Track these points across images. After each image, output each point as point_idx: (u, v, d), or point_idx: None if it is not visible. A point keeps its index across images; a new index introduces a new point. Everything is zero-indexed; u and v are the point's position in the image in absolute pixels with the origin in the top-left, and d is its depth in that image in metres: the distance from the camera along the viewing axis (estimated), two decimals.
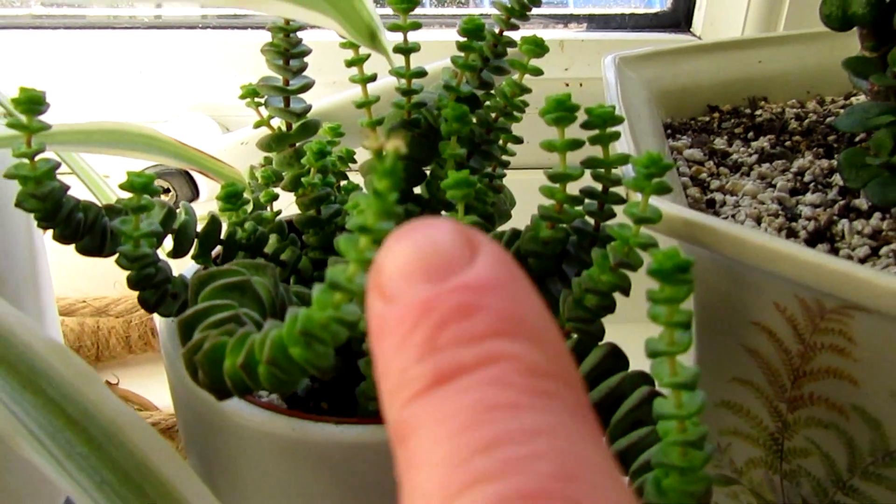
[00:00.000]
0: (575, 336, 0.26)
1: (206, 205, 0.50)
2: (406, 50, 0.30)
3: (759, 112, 0.42)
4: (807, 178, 0.35)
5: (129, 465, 0.21)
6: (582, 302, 0.25)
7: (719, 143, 0.39)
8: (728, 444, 0.33)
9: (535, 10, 0.60)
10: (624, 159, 0.26)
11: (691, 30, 0.60)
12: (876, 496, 0.29)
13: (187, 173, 0.46)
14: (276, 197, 0.35)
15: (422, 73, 0.30)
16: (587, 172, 0.27)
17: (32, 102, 0.25)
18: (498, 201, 0.36)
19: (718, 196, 0.34)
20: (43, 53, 0.56)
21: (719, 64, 0.43)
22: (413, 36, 0.30)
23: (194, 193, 0.48)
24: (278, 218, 0.35)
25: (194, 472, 0.25)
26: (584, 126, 0.26)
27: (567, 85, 0.56)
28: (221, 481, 0.31)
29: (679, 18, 0.61)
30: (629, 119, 0.35)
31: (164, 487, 0.24)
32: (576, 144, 0.26)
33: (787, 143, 0.39)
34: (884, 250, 0.29)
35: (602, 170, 0.27)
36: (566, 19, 0.60)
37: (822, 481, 0.30)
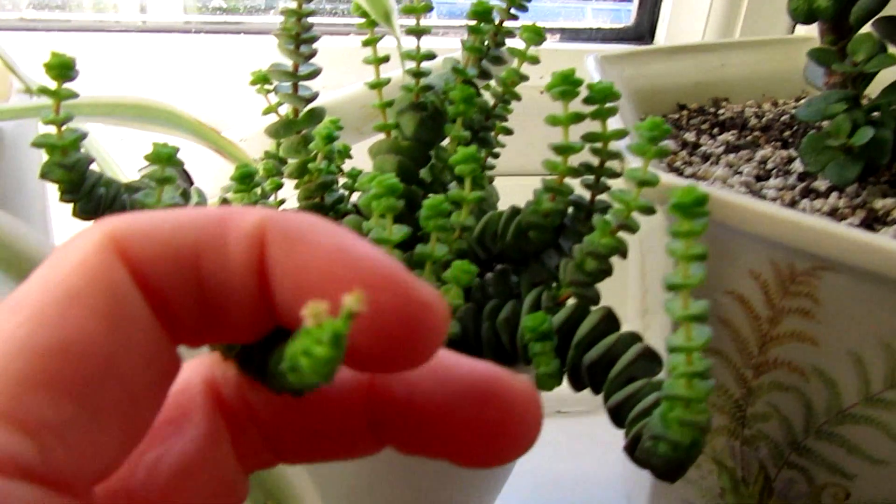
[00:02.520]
0: (573, 300, 0.27)
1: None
2: (418, 31, 0.31)
3: (721, 111, 0.44)
4: (769, 165, 0.37)
5: None
6: (582, 266, 0.26)
7: (689, 136, 0.41)
8: None
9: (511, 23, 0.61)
10: (622, 133, 0.28)
11: (654, 42, 0.63)
12: (825, 454, 0.31)
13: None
14: (280, 186, 0.36)
15: (431, 56, 0.31)
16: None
17: (63, 68, 0.25)
18: (488, 191, 0.38)
19: (692, 182, 0.35)
20: (32, 55, 0.56)
21: (686, 66, 0.45)
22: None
23: (188, 182, 0.48)
24: (282, 208, 0.36)
25: None
26: (586, 101, 0.28)
27: (542, 93, 0.58)
28: None
29: (643, 32, 0.63)
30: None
31: None
32: (578, 118, 0.27)
33: (749, 138, 0.41)
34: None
35: (600, 144, 0.28)
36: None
37: (778, 444, 0.32)
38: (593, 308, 0.28)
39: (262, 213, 0.12)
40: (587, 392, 0.34)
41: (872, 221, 0.31)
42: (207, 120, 0.56)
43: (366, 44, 0.30)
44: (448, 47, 0.58)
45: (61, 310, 0.11)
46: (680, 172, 0.36)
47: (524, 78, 0.33)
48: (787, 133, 0.41)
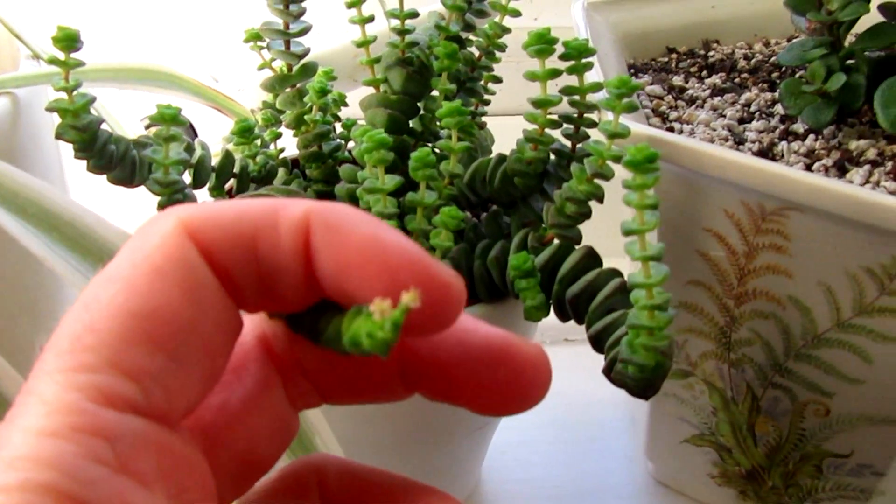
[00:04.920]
0: (557, 241, 0.30)
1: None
2: None
3: (711, 53, 0.46)
4: (752, 108, 0.39)
5: None
6: (563, 210, 0.29)
7: (677, 80, 0.42)
8: (685, 340, 0.37)
9: None
10: (597, 86, 0.30)
11: None
12: (806, 374, 0.34)
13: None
14: (279, 135, 0.38)
15: (414, 14, 0.33)
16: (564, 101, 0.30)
17: (69, 40, 0.27)
18: (480, 137, 0.40)
19: (677, 125, 0.37)
20: (34, 17, 0.58)
21: (676, 9, 0.47)
22: None
23: (193, 135, 0.51)
24: (282, 156, 0.38)
25: None
26: (562, 57, 0.30)
27: None
28: None
29: None
30: (598, 57, 0.38)
31: None
32: (555, 73, 0.29)
33: (737, 80, 0.42)
34: (816, 165, 0.33)
35: (577, 97, 0.30)
36: None
37: (762, 366, 0.35)
38: (577, 247, 0.30)
39: (307, 205, 0.15)
40: None
41: (846, 162, 0.33)
42: (206, 70, 0.58)
43: (350, 6, 0.32)
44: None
45: (150, 282, 0.14)
46: (665, 116, 0.38)
47: (506, 30, 0.35)
48: (774, 74, 0.43)
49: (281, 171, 0.36)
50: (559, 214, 0.29)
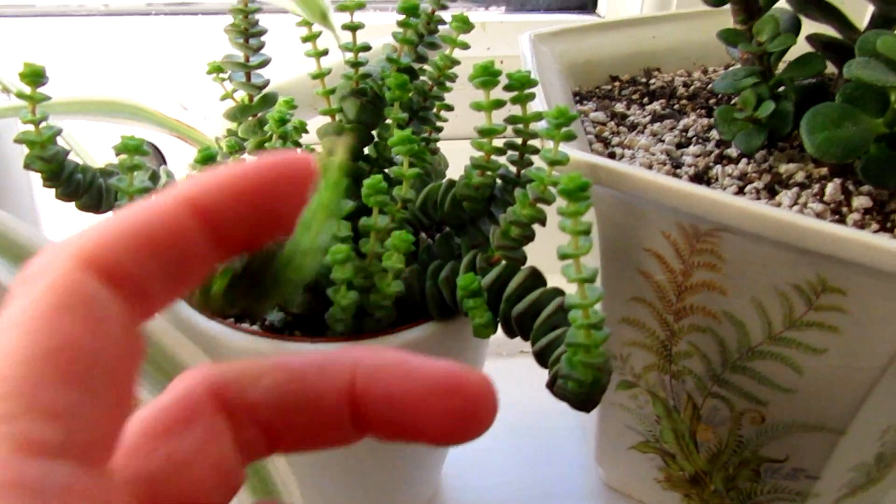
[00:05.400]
0: (504, 262, 0.30)
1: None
2: (353, 27, 0.33)
3: (653, 80, 0.47)
4: (690, 133, 0.40)
5: (160, 358, 0.24)
6: (508, 233, 0.29)
7: (619, 107, 0.43)
8: (629, 353, 0.38)
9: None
10: (538, 116, 0.30)
11: (596, 11, 0.65)
12: (742, 385, 0.34)
13: (154, 145, 0.49)
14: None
15: (367, 48, 0.34)
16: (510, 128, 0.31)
17: (35, 76, 0.27)
18: (434, 162, 0.40)
19: (618, 150, 0.38)
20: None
21: (619, 39, 0.48)
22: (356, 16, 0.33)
23: (161, 161, 0.50)
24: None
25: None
26: (506, 88, 0.31)
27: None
28: None
29: (586, 0, 0.65)
30: (543, 86, 0.39)
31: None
32: (499, 104, 0.30)
33: (676, 107, 0.44)
34: (748, 188, 0.34)
35: (521, 125, 0.31)
36: (487, 2, 0.64)
37: (701, 377, 0.36)
38: (522, 268, 0.31)
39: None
40: None
41: (776, 184, 0.34)
42: (175, 98, 0.58)
43: (305, 40, 0.33)
44: (378, 23, 0.60)
45: (51, 320, 0.14)
46: (608, 142, 0.39)
47: (456, 62, 0.36)
48: (711, 101, 0.44)
49: None
50: (504, 237, 0.29)
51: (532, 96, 0.31)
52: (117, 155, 0.28)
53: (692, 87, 0.46)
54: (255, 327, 0.33)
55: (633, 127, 0.41)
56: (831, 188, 0.32)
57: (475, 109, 0.30)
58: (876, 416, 0.34)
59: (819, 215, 0.31)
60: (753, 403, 0.35)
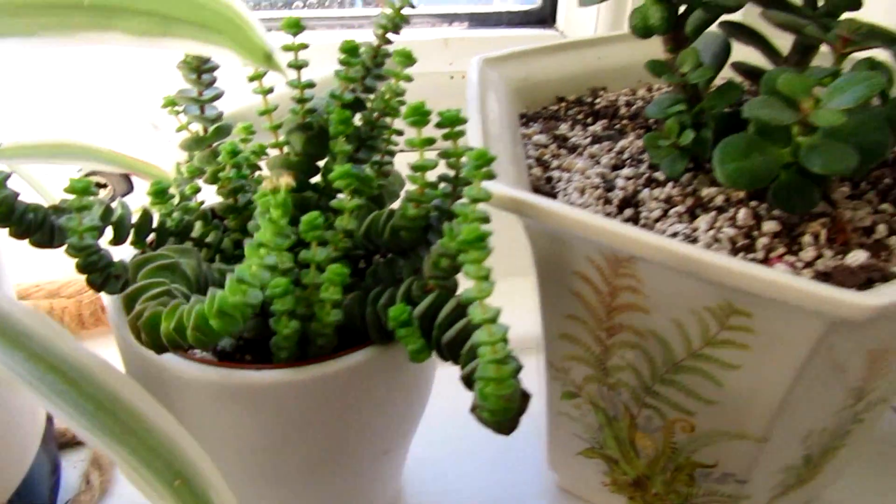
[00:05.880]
0: (437, 291, 0.32)
1: (140, 196, 0.53)
2: (297, 66, 0.34)
3: (598, 100, 0.48)
4: (625, 155, 0.41)
5: (102, 397, 0.25)
6: (438, 264, 0.31)
7: (563, 127, 0.45)
8: (570, 366, 0.40)
9: (422, 11, 0.65)
10: (465, 152, 0.32)
11: (556, 25, 0.66)
12: (670, 396, 0.36)
13: (123, 173, 0.50)
14: (199, 189, 0.40)
15: (311, 85, 0.35)
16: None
17: None
18: (387, 184, 0.41)
19: (556, 173, 0.40)
20: None
21: (567, 61, 0.49)
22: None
23: (129, 187, 0.52)
24: (203, 206, 0.40)
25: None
26: (437, 126, 0.32)
27: (451, 78, 0.61)
28: None
29: (546, 16, 0.66)
30: (486, 112, 0.40)
31: (131, 411, 0.28)
32: (429, 142, 0.31)
33: (617, 127, 0.45)
34: (671, 211, 0.36)
35: (453, 160, 0.32)
36: (450, 18, 0.65)
37: (635, 389, 0.37)
38: (455, 296, 0.32)
39: None
40: (513, 336, 0.39)
41: (697, 208, 0.36)
42: (147, 117, 0.59)
43: (251, 79, 0.34)
44: (328, 42, 0.61)
45: None
46: (547, 165, 0.41)
47: (401, 94, 0.37)
48: (651, 121, 0.45)
49: (198, 225, 0.38)
50: (435, 268, 0.31)
51: (462, 133, 0.32)
52: (64, 199, 0.29)
53: (634, 107, 0.47)
54: (205, 354, 0.34)
55: (573, 149, 0.42)
56: (742, 214, 0.33)
57: (408, 146, 0.31)
58: (794, 424, 0.35)
59: (732, 239, 0.33)
60: (682, 413, 0.37)
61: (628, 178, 0.39)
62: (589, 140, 0.43)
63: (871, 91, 0.29)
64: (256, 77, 0.34)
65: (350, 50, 0.34)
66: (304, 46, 0.34)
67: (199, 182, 0.40)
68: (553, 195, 0.38)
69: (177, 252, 0.29)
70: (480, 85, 0.42)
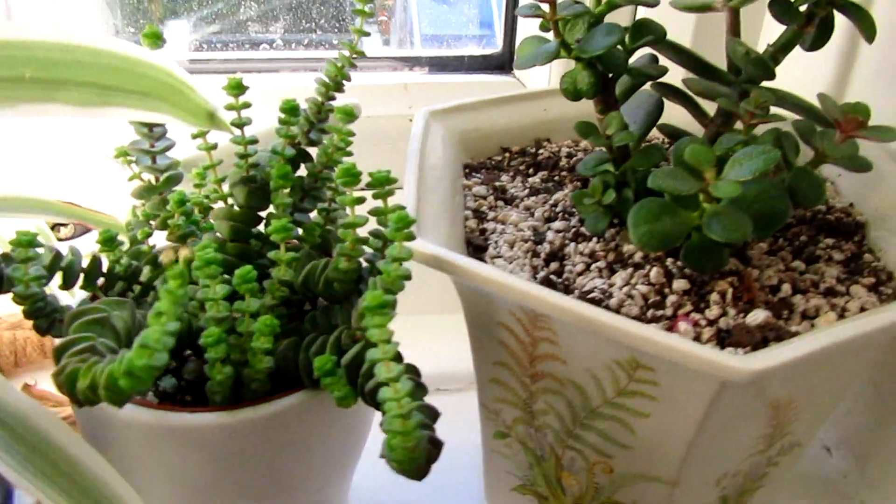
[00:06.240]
0: (362, 342, 0.34)
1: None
2: (240, 124, 0.36)
3: (541, 151, 0.50)
4: (559, 208, 0.43)
5: (46, 449, 0.27)
6: (363, 316, 0.32)
7: (505, 178, 0.47)
8: (500, 408, 0.41)
9: (385, 54, 0.67)
10: (397, 209, 0.34)
11: (514, 72, 0.69)
12: (590, 440, 0.38)
13: None
14: (150, 234, 0.41)
15: (254, 141, 0.37)
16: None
17: None
18: (334, 229, 0.43)
19: (491, 225, 0.42)
20: None
21: (512, 112, 0.51)
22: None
23: (85, 229, 0.53)
24: (155, 249, 0.42)
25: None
26: (368, 186, 0.34)
27: (411, 120, 0.63)
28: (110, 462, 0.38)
29: (505, 62, 0.69)
30: (425, 165, 0.42)
31: (73, 463, 0.29)
32: (359, 201, 0.33)
33: (556, 178, 0.47)
34: (593, 266, 0.38)
35: (383, 217, 0.34)
36: (412, 62, 0.68)
37: (558, 432, 0.39)
38: None
39: None
40: (464, 371, 0.43)
41: (616, 264, 0.38)
42: (102, 154, 0.60)
43: (194, 137, 0.36)
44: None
45: None
46: (484, 217, 0.43)
47: (341, 148, 0.39)
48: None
49: (146, 269, 0.40)
50: (361, 319, 0.33)
51: (392, 192, 0.34)
52: (12, 248, 0.31)
53: (574, 159, 0.49)
54: (147, 395, 0.36)
55: (510, 200, 0.44)
56: (654, 273, 0.36)
57: (340, 204, 0.33)
58: (705, 468, 0.37)
59: (644, 296, 0.35)
60: (601, 456, 0.38)
61: (558, 231, 0.41)
62: (526, 192, 0.45)
63: (766, 164, 0.32)
64: (200, 135, 0.36)
65: (289, 110, 0.37)
66: (247, 105, 0.36)
67: (150, 229, 0.41)
68: (485, 247, 0.40)
69: (111, 304, 0.31)
70: (423, 138, 0.44)
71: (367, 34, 0.39)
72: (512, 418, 0.41)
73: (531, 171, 0.48)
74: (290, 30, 0.69)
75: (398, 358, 0.29)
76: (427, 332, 0.50)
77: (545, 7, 0.38)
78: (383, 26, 0.80)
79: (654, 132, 0.43)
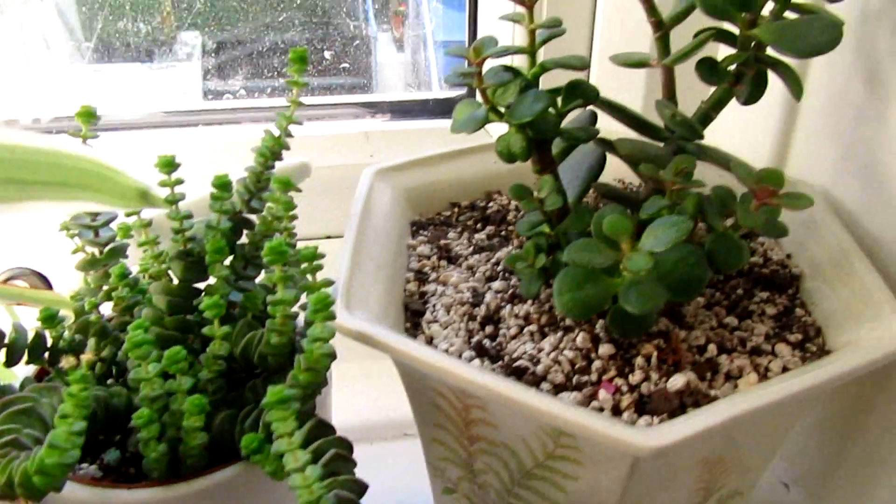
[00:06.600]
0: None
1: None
2: (173, 200, 0.37)
3: (491, 204, 0.51)
4: (501, 266, 0.44)
5: None
6: (296, 381, 0.33)
7: (452, 235, 0.48)
8: (444, 467, 0.42)
9: (346, 100, 0.68)
10: (329, 282, 0.35)
11: None
12: (528, 499, 0.38)
13: (37, 273, 0.53)
14: (97, 305, 0.42)
15: (190, 216, 0.38)
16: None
17: None
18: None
19: (432, 286, 0.43)
20: None
21: (462, 166, 0.52)
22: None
23: (47, 286, 0.55)
24: (103, 319, 0.43)
25: None
26: (298, 261, 0.35)
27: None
28: None
29: None
30: (366, 227, 0.43)
31: None
32: (288, 279, 0.34)
33: (503, 233, 0.48)
34: (526, 329, 0.39)
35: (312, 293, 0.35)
36: (373, 108, 0.69)
37: (498, 490, 0.40)
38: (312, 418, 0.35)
39: None
40: None
41: (549, 326, 0.39)
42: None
43: (128, 215, 0.37)
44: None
45: None
46: (426, 278, 0.44)
47: (280, 217, 0.40)
48: None
49: (92, 341, 0.41)
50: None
51: (319, 267, 0.35)
52: None
53: (522, 212, 0.50)
54: (91, 467, 0.37)
55: (454, 259, 0.45)
56: (581, 338, 0.36)
57: (266, 283, 0.34)
58: None
59: (571, 361, 0.36)
60: None
61: (497, 292, 0.42)
62: (471, 250, 0.46)
63: (679, 236, 0.33)
64: (133, 212, 0.37)
65: (221, 185, 0.38)
66: (180, 182, 0.37)
67: (97, 300, 0.42)
68: (422, 312, 0.41)
69: (41, 391, 0.32)
70: (366, 199, 0.45)
71: (302, 104, 0.41)
72: (456, 476, 0.42)
73: (479, 225, 0.49)
74: (251, 78, 0.71)
75: (312, 437, 0.30)
76: (395, 376, 0.51)
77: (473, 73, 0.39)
78: (397, 33, 0.82)
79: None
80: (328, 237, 0.64)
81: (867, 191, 0.45)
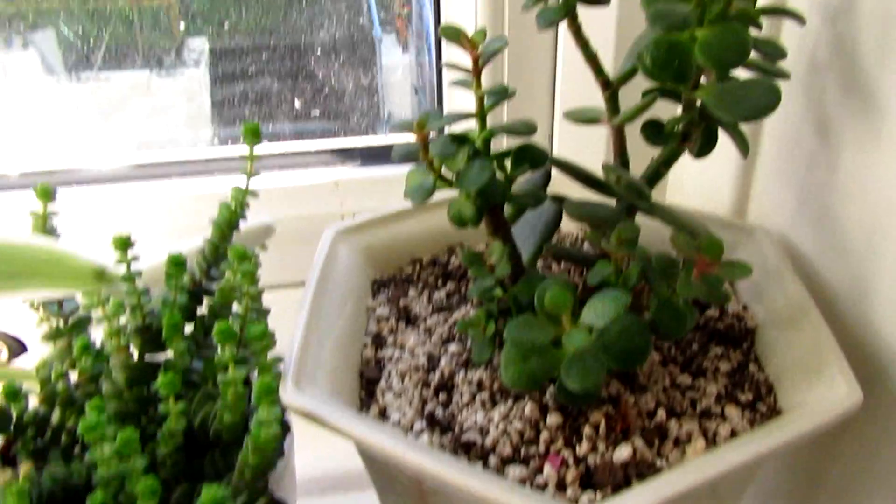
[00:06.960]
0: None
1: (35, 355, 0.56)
2: (131, 278, 0.38)
3: (453, 258, 0.52)
4: (457, 328, 0.45)
5: None
6: (243, 473, 0.34)
7: (412, 293, 0.49)
8: None
9: (316, 147, 0.69)
10: (278, 360, 0.36)
11: None
12: None
13: (13, 336, 0.54)
14: (64, 374, 0.43)
15: (147, 292, 0.39)
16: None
17: None
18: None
19: (389, 351, 0.43)
20: None
21: (424, 221, 0.53)
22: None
23: (23, 348, 0.55)
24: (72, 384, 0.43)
25: None
26: (247, 340, 0.36)
27: (343, 218, 0.66)
28: None
29: None
30: (328, 290, 0.44)
31: None
32: (241, 361, 0.35)
33: (463, 291, 0.49)
34: (478, 397, 0.39)
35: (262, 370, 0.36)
36: (343, 156, 0.70)
37: None
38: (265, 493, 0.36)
39: None
40: None
41: (500, 392, 0.39)
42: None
43: (84, 295, 0.38)
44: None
45: None
46: (383, 342, 0.44)
47: (233, 293, 0.41)
48: None
49: (56, 413, 0.41)
50: (240, 475, 0.34)
51: (270, 346, 0.36)
52: None
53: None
54: None
55: (413, 320, 0.46)
56: (529, 407, 0.37)
57: (216, 364, 0.35)
58: None
59: (520, 431, 0.37)
60: None
61: (453, 355, 0.42)
62: (430, 310, 0.47)
63: (617, 310, 0.34)
64: (92, 294, 0.38)
65: (176, 263, 0.39)
66: (136, 258, 0.38)
67: (63, 369, 0.43)
68: (378, 379, 0.41)
69: None
70: (325, 262, 0.46)
71: (256, 194, 0.42)
72: None
73: (440, 282, 0.50)
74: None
75: None
76: None
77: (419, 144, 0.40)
78: (401, 34, 0.82)
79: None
80: (302, 284, 0.65)
81: (821, 237, 0.46)
